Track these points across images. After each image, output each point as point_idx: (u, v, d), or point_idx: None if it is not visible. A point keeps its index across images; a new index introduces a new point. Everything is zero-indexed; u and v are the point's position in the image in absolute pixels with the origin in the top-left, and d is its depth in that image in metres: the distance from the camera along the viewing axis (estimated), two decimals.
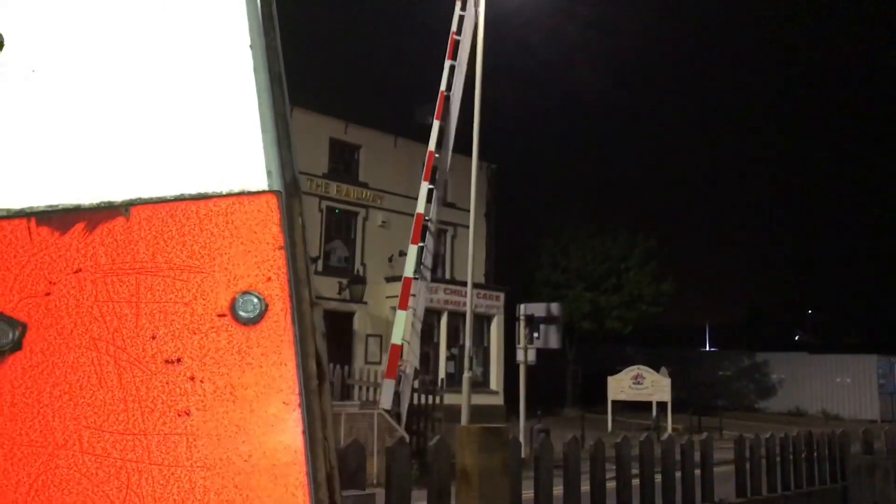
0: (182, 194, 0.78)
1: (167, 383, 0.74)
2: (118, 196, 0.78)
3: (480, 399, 23.69)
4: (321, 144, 26.67)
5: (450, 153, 16.89)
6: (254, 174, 0.80)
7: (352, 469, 2.60)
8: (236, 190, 0.79)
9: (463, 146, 20.33)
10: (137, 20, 0.81)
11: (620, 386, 22.06)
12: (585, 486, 3.56)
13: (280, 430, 0.75)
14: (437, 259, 30.45)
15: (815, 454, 5.16)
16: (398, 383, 16.07)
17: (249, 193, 0.78)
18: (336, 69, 27.18)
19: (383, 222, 27.93)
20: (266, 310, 0.76)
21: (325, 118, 26.49)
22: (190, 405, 0.74)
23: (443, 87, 16.66)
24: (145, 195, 0.78)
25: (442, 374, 26.64)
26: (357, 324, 26.66)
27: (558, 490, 3.40)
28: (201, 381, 0.75)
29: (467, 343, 18.99)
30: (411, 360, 16.56)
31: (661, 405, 22.01)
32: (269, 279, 0.77)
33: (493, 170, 31.47)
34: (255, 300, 0.76)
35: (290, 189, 0.83)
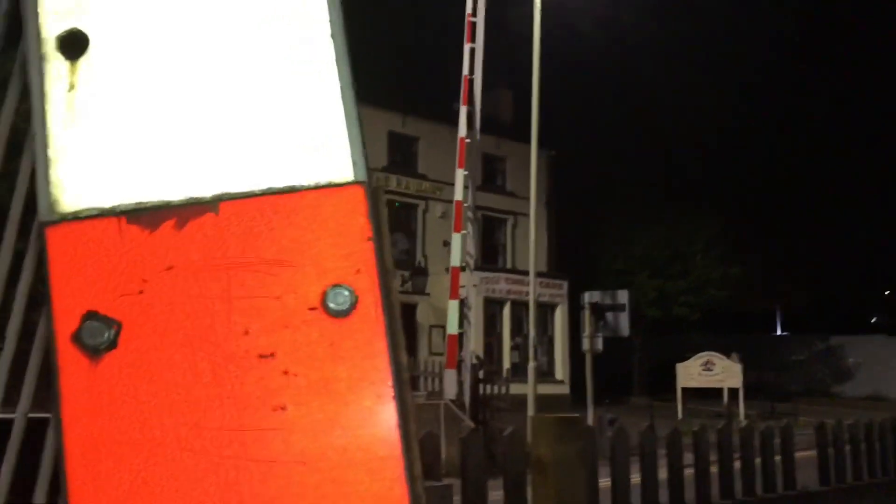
0: (270, 188, 0.78)
1: (261, 378, 0.74)
2: (207, 192, 0.78)
3: (546, 388, 23.57)
4: (380, 138, 26.85)
5: (478, 136, 16.72)
6: (340, 166, 0.79)
7: (428, 460, 2.60)
8: (323, 182, 0.78)
9: (520, 133, 20.20)
10: (222, 15, 0.80)
11: (690, 373, 21.66)
12: (662, 475, 3.50)
13: (375, 424, 0.74)
14: (498, 249, 30.41)
15: None
16: (459, 373, 16.12)
17: (337, 185, 0.77)
18: (391, 60, 27.26)
19: (443, 213, 27.96)
20: (357, 302, 0.75)
21: (382, 111, 26.63)
22: (285, 400, 0.74)
23: (465, 71, 16.49)
24: (233, 190, 0.78)
25: (507, 364, 26.62)
26: (420, 315, 26.82)
27: (634, 479, 3.35)
28: (295, 376, 0.74)
29: (531, 332, 18.91)
30: (470, 348, 16.58)
31: (733, 392, 21.53)
32: (358, 271, 0.76)
33: (553, 156, 31.19)
34: (346, 292, 0.75)
35: (374, 179, 0.81)
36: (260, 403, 0.74)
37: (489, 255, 29.56)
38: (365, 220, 0.76)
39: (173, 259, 0.76)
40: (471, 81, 16.81)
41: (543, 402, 17.35)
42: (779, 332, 44.54)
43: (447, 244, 19.76)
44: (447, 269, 26.90)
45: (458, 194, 16.73)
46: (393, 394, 0.75)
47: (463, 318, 17.85)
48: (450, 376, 16.55)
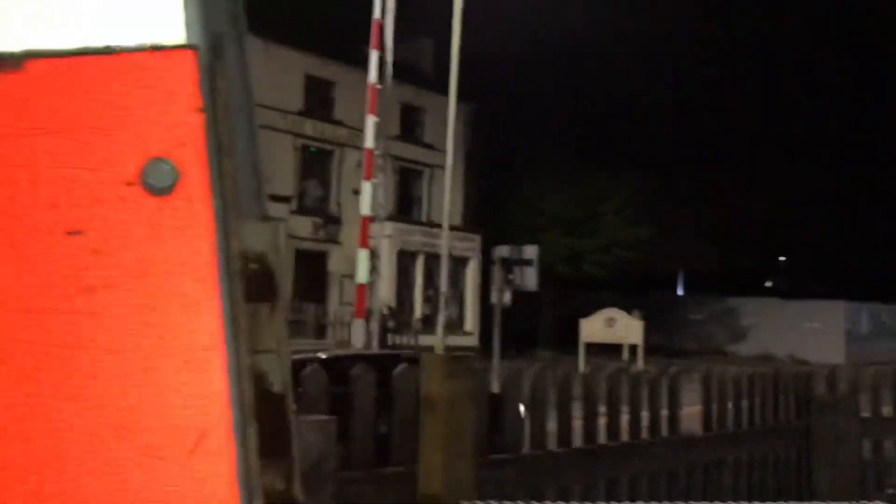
0: (86, 47, 0.69)
1: (68, 257, 0.66)
2: (10, 47, 0.68)
3: (455, 340, 23.88)
4: (296, 80, 26.17)
5: (389, 83, 16.51)
6: (170, 26, 0.70)
7: (313, 395, 2.55)
8: (148, 43, 0.69)
9: (441, 85, 20.03)
10: None
11: (593, 328, 22.30)
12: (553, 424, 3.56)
13: (195, 312, 0.67)
14: (414, 201, 30.34)
15: (781, 391, 5.23)
16: (368, 323, 16.15)
17: (164, 48, 0.69)
18: (312, 2, 26.45)
19: (359, 162, 27.62)
20: (180, 179, 0.68)
21: (299, 53, 25.94)
22: (94, 281, 0.66)
23: (376, 14, 16.19)
24: (43, 47, 0.69)
25: (418, 315, 26.79)
26: (332, 264, 26.60)
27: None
28: (107, 255, 0.67)
29: (443, 285, 19.05)
30: (379, 298, 16.60)
31: (633, 348, 22.31)
32: (184, 145, 0.68)
33: (473, 110, 31.13)
34: (168, 167, 0.68)
35: (213, 47, 0.74)
36: (66, 284, 0.66)
37: (405, 207, 29.48)
38: (195, 88, 0.69)
39: None
40: (382, 26, 16.46)
41: (452, 352, 17.54)
42: (680, 293, 46.30)
43: (357, 192, 19.56)
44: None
45: (369, 142, 16.50)
46: (217, 280, 0.68)
47: (373, 268, 17.78)
48: (358, 326, 16.55)
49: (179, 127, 0.68)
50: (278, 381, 1.40)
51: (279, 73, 25.10)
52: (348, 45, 26.55)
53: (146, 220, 0.67)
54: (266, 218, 1.33)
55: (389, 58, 16.51)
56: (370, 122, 16.46)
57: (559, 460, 3.41)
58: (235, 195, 0.74)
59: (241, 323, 0.72)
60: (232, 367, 0.69)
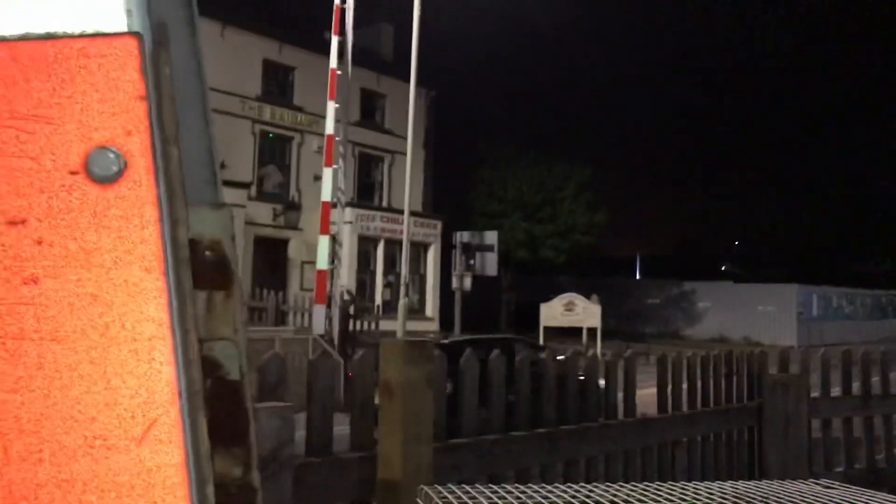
0: (27, 33, 0.68)
1: (10, 247, 0.66)
2: None
3: (416, 325, 23.89)
4: (254, 65, 25.80)
5: (349, 68, 16.41)
6: (111, 13, 0.70)
7: (272, 383, 2.54)
8: (90, 31, 0.68)
9: (402, 72, 19.94)
10: None
11: (552, 313, 22.50)
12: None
13: (142, 301, 0.67)
14: (375, 186, 30.19)
15: (734, 373, 5.34)
16: (329, 308, 16.09)
17: (106, 35, 0.68)
18: None
19: (319, 147, 27.34)
20: (126, 167, 0.67)
21: (257, 38, 25.56)
22: (37, 272, 0.66)
23: None
24: None
25: (378, 301, 26.73)
26: (292, 251, 26.38)
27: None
28: (50, 245, 0.66)
29: (403, 270, 19.04)
30: (340, 285, 16.54)
31: (592, 332, 22.57)
32: (128, 133, 0.68)
33: (433, 97, 31.05)
34: (112, 156, 0.67)
35: (157, 34, 0.73)
36: (9, 275, 0.65)
37: (365, 192, 29.31)
38: (139, 75, 0.68)
39: None
40: (343, 10, 16.32)
41: (413, 337, 17.54)
42: (638, 277, 46.93)
43: (318, 178, 19.37)
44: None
45: (330, 128, 16.37)
46: (163, 269, 0.68)
47: (334, 254, 17.70)
48: (319, 312, 16.46)
49: (124, 114, 0.68)
50: (234, 368, 1.39)
51: (237, 57, 24.72)
52: (307, 29, 26.26)
53: (91, 208, 0.67)
54: (220, 205, 1.32)
55: (349, 43, 16.36)
56: (331, 107, 16.33)
57: (517, 443, 3.45)
58: (182, 183, 0.73)
59: (188, 311, 0.72)
60: (180, 356, 0.69)
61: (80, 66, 0.67)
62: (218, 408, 1.40)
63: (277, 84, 26.95)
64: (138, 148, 0.68)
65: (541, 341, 22.27)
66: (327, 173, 16.32)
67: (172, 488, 0.67)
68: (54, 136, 0.67)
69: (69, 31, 0.68)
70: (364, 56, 21.69)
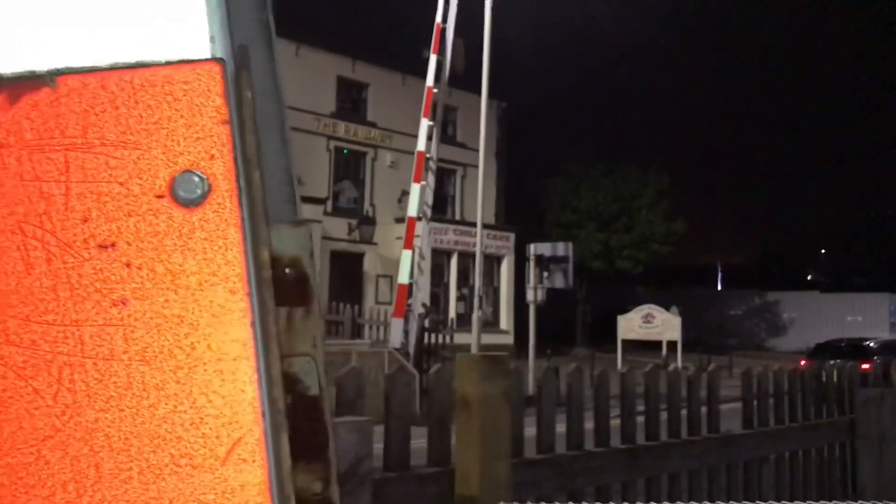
0: (115, 63, 0.70)
1: (101, 270, 0.67)
2: (43, 65, 0.70)
3: (490, 338, 23.87)
4: (328, 83, 26.35)
5: (446, 87, 16.57)
6: (196, 41, 0.71)
7: (350, 397, 2.56)
8: (175, 58, 0.70)
9: (473, 84, 20.02)
10: None
11: (630, 325, 22.11)
12: (590, 423, 3.54)
13: (227, 322, 0.68)
14: (447, 200, 30.36)
15: (824, 387, 5.13)
16: (406, 322, 16.20)
17: (190, 61, 0.70)
18: (343, 5, 26.58)
19: (392, 162, 27.73)
20: (210, 190, 0.69)
21: (331, 56, 26.10)
22: (126, 293, 0.67)
23: (438, 18, 16.24)
24: (74, 64, 0.70)
25: (452, 314, 26.80)
26: (367, 265, 26.73)
27: (562, 428, 3.37)
28: (139, 268, 0.68)
29: (477, 283, 19.04)
30: (419, 298, 16.65)
31: (672, 345, 22.07)
32: (212, 157, 0.69)
33: (504, 108, 31.06)
34: (197, 179, 0.69)
35: (238, 59, 0.74)
36: (99, 297, 0.67)
37: (438, 205, 29.49)
38: (222, 100, 0.70)
39: (4, 137, 0.68)
40: (443, 30, 16.51)
41: (488, 351, 17.53)
42: (719, 288, 45.69)
43: (406, 194, 19.62)
44: (395, 220, 26.82)
45: (421, 145, 16.56)
46: (247, 290, 0.69)
47: (414, 268, 17.84)
48: (396, 325, 16.60)
49: (207, 139, 0.69)
50: (314, 383, 1.41)
51: (311, 75, 25.29)
52: (379, 46, 26.66)
53: (177, 231, 0.68)
54: (299, 222, 1.34)
55: (448, 63, 16.55)
56: (424, 125, 16.55)
57: (597, 459, 3.38)
58: (263, 204, 0.74)
59: (271, 331, 0.72)
60: (263, 376, 0.69)
61: (165, 93, 0.69)
62: (298, 423, 1.41)
63: (351, 100, 27.45)
64: (222, 171, 0.69)
65: (619, 354, 21.91)
66: (415, 189, 16.52)
67: None
68: (141, 161, 0.68)
69: (155, 59, 0.70)
70: (436, 69, 21.82)
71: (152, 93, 0.69)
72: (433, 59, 16.36)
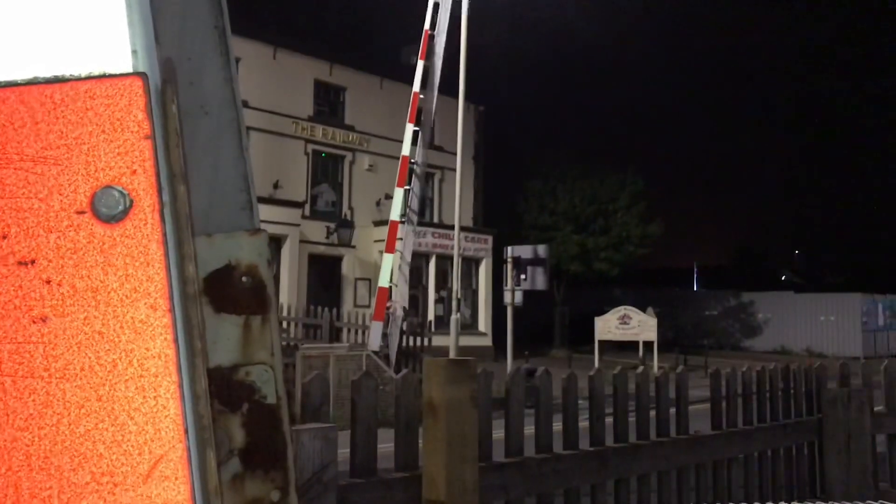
0: (35, 77, 0.69)
1: (20, 287, 0.67)
2: None
3: (469, 341, 23.87)
4: (306, 86, 26.24)
5: (435, 94, 16.64)
6: (117, 54, 0.71)
7: (315, 403, 2.55)
8: (97, 72, 0.70)
9: (450, 88, 20.05)
10: None
11: (607, 326, 22.22)
12: (559, 424, 3.55)
13: (148, 338, 0.68)
14: (425, 202, 30.32)
15: (792, 387, 5.19)
16: (386, 325, 16.17)
17: (111, 77, 0.70)
18: (320, 8, 26.50)
19: (370, 166, 27.68)
20: (131, 206, 0.68)
21: (309, 59, 26.00)
22: (46, 311, 0.67)
23: (427, 25, 16.31)
24: None
25: (431, 316, 26.77)
26: (345, 268, 26.64)
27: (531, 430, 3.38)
28: (59, 284, 0.67)
29: (455, 286, 19.05)
30: (399, 302, 16.62)
31: (648, 345, 22.21)
32: (134, 172, 0.69)
33: (481, 112, 31.12)
34: (118, 194, 0.68)
35: (163, 73, 0.74)
36: (19, 314, 0.67)
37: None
38: (144, 115, 0.69)
39: None
40: (431, 37, 16.53)
41: (466, 353, 17.54)
42: (695, 289, 46.07)
43: (389, 198, 19.54)
44: (374, 223, 26.76)
45: (406, 149, 16.55)
46: (169, 306, 0.69)
47: (395, 271, 17.80)
48: (375, 328, 16.55)
49: (129, 154, 0.68)
50: (271, 392, 1.40)
51: (289, 79, 25.19)
52: (357, 49, 26.61)
53: (98, 247, 0.68)
54: (256, 230, 1.33)
55: (437, 70, 16.58)
56: (409, 130, 16.56)
57: (565, 462, 3.39)
58: (189, 219, 0.74)
59: (196, 346, 0.72)
60: (187, 391, 0.69)
61: (86, 108, 0.69)
62: (255, 432, 1.40)
63: (329, 104, 27.36)
64: (143, 186, 0.68)
65: (596, 355, 22.02)
66: (398, 193, 16.52)
67: None
68: (62, 177, 0.68)
69: (76, 73, 0.69)
70: (413, 73, 21.80)
71: (73, 108, 0.69)
72: (420, 64, 16.40)
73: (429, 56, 16.58)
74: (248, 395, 1.38)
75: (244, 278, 1.36)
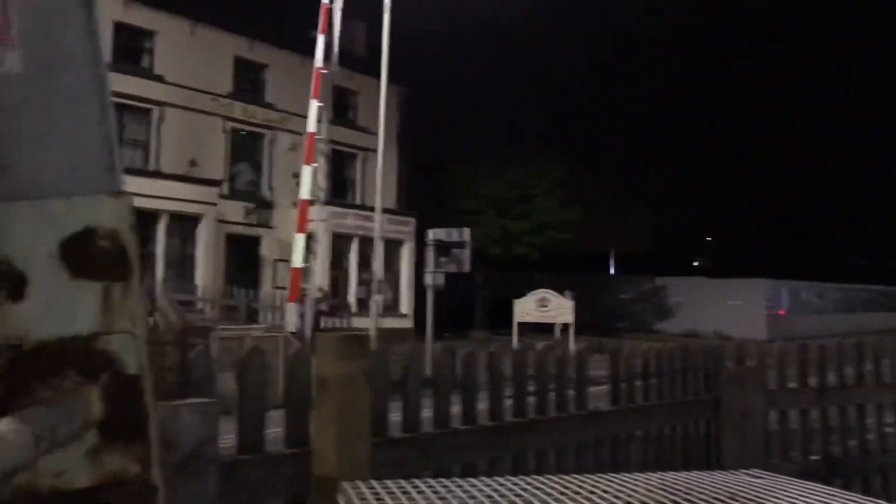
0: None
1: None
2: None
3: (390, 322, 23.84)
4: (225, 63, 25.59)
5: (337, 67, 16.44)
6: None
7: (198, 378, 2.49)
8: None
9: (374, 69, 19.85)
10: None
11: (526, 309, 22.53)
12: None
13: None
14: (348, 184, 30.06)
15: (691, 367, 5.35)
16: (302, 306, 16.04)
17: None
18: None
19: (292, 145, 27.23)
20: None
21: (228, 35, 25.35)
22: None
23: None
24: None
25: (353, 298, 26.63)
26: (264, 248, 26.21)
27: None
28: None
29: (376, 268, 18.99)
30: (315, 283, 16.48)
31: (566, 327, 22.63)
32: None
33: (405, 94, 30.96)
34: None
35: None
36: None
37: (339, 190, 29.19)
38: None
39: None
40: (330, 10, 16.27)
41: (388, 335, 17.54)
42: (612, 273, 47.18)
43: (297, 176, 19.28)
44: (294, 203, 26.39)
45: (311, 126, 16.31)
46: None
47: (309, 252, 17.62)
48: (292, 310, 16.39)
49: None
50: (133, 362, 1.34)
51: (207, 54, 24.51)
52: (279, 27, 26.07)
53: None
54: (118, 192, 1.26)
55: (336, 41, 16.34)
56: (313, 106, 16.31)
57: (463, 437, 3.42)
58: None
59: None
60: None
61: None
62: (114, 403, 1.34)
63: (249, 81, 26.76)
64: None
65: (514, 337, 22.34)
66: (307, 171, 16.29)
67: None
68: None
69: None
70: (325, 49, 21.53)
71: None
72: (321, 39, 16.17)
73: (329, 30, 16.38)
74: (109, 365, 1.32)
75: (103, 243, 1.29)
